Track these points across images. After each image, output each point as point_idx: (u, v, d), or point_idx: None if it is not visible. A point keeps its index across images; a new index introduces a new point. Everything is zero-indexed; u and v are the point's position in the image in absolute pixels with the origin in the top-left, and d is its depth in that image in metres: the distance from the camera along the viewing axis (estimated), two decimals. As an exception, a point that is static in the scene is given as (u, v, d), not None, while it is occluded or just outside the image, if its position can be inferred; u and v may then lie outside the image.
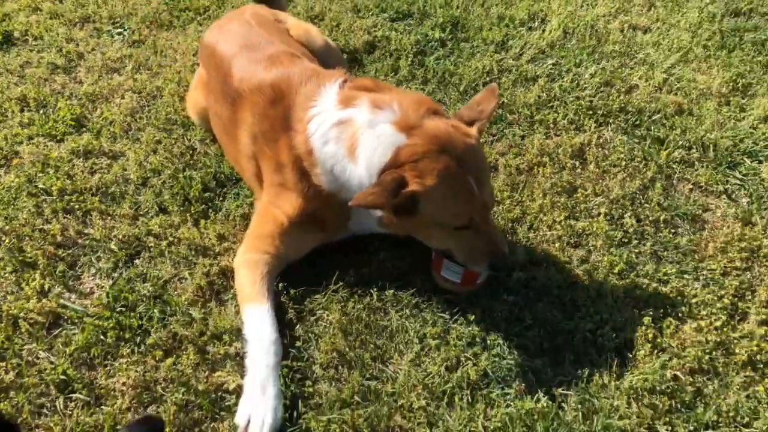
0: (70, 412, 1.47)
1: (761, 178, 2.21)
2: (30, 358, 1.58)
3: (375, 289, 1.75)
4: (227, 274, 1.79)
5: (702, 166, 2.25)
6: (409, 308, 1.72)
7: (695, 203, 2.11)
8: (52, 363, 1.56)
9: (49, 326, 1.65)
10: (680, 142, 2.33)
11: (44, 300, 1.69)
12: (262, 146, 1.79)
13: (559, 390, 1.54)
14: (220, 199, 2.06)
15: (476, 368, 1.57)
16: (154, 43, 2.76)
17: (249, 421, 1.44)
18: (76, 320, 1.66)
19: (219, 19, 2.26)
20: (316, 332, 1.66)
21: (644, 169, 2.22)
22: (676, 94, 2.58)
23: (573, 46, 2.85)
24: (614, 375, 1.57)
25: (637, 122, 2.42)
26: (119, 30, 2.86)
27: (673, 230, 2.01)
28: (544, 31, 2.94)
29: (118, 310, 1.68)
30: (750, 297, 1.80)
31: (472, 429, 1.44)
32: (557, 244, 1.93)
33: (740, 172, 2.24)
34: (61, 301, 1.70)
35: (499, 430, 1.44)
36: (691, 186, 2.19)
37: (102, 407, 1.48)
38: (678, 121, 2.43)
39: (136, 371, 1.54)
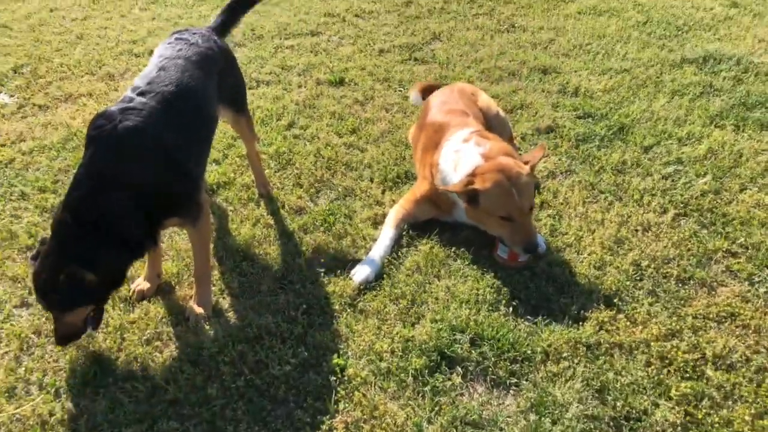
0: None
1: (792, 282, 2.74)
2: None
3: (453, 247, 2.95)
4: (384, 215, 3.18)
5: (744, 259, 2.87)
6: (467, 261, 2.87)
7: (715, 278, 2.78)
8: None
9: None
10: (739, 240, 2.96)
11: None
12: (424, 154, 3.19)
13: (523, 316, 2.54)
14: (402, 184, 3.49)
15: (489, 296, 2.65)
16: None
17: (355, 273, 2.79)
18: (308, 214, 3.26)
19: (440, 89, 3.76)
20: (411, 252, 2.93)
21: (692, 246, 2.94)
22: (769, 212, 3.16)
23: (708, 162, 3.58)
24: (565, 326, 2.49)
25: (714, 222, 3.11)
26: (400, 89, 4.59)
27: (681, 284, 2.74)
28: (692, 147, 3.72)
29: (325, 216, 3.21)
30: (676, 343, 2.44)
31: (471, 318, 2.54)
32: (586, 262, 2.85)
33: (775, 273, 2.79)
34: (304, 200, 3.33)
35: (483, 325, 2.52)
36: (723, 268, 2.84)
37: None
38: (753, 230, 3.03)
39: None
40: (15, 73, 4.98)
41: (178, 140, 2.39)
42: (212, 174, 3.54)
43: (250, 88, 4.47)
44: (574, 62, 4.91)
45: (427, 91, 3.89)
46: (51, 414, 2.20)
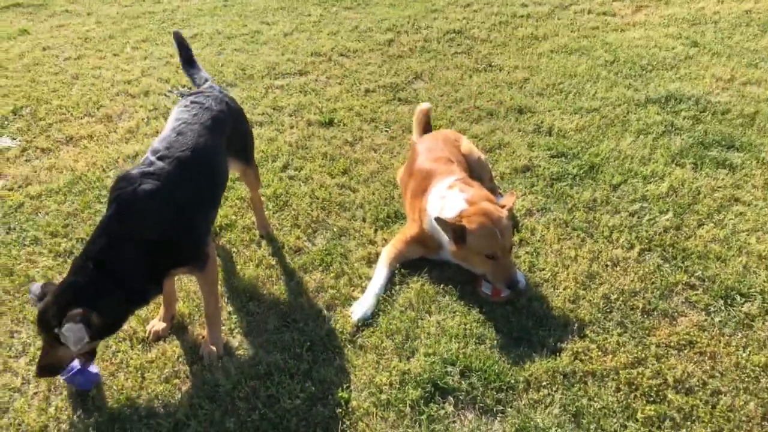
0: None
1: (744, 313, 3.07)
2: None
3: (442, 284, 3.24)
4: (377, 253, 3.46)
5: (701, 291, 3.20)
6: (455, 297, 3.17)
7: (676, 309, 3.10)
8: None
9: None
10: (697, 273, 3.30)
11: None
12: (413, 199, 3.49)
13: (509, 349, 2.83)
14: (392, 223, 3.79)
15: (476, 330, 2.94)
16: (402, 140, 4.73)
17: (354, 310, 3.07)
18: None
19: (425, 135, 4.09)
20: (404, 290, 3.21)
21: (656, 280, 3.27)
22: (723, 246, 3.50)
23: (670, 199, 3.94)
24: (543, 356, 2.79)
25: (675, 256, 3.45)
26: (386, 130, 4.91)
27: (646, 315, 3.06)
28: (655, 185, 4.08)
29: (323, 256, 3.48)
30: (641, 370, 2.77)
31: (461, 351, 2.83)
32: (561, 297, 3.16)
33: (728, 304, 3.12)
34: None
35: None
36: (683, 299, 3.17)
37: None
38: (709, 264, 3.37)
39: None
40: (15, 115, 5.19)
41: (192, 201, 2.66)
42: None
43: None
44: (548, 101, 5.28)
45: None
46: (83, 450, 2.42)
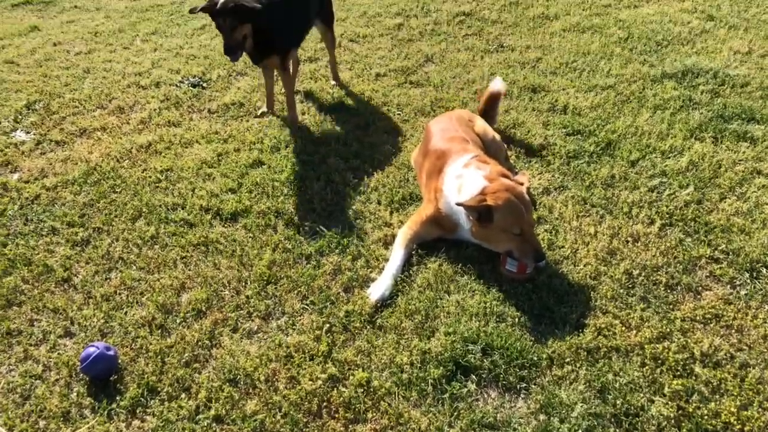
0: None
1: (770, 284, 3.01)
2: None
3: (460, 263, 3.21)
4: (393, 235, 3.43)
5: (726, 264, 3.13)
6: (473, 276, 3.13)
7: (701, 283, 3.04)
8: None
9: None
10: (721, 247, 3.23)
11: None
12: (429, 180, 3.45)
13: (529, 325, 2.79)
14: (408, 205, 3.75)
15: (496, 308, 2.90)
16: (414, 123, 4.68)
17: (371, 291, 3.04)
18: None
19: (439, 116, 4.03)
20: (422, 270, 3.18)
21: (678, 254, 3.21)
22: (747, 219, 3.43)
23: (690, 173, 3.86)
24: (566, 333, 2.75)
25: (698, 230, 3.38)
26: (399, 113, 4.86)
27: (669, 290, 3.00)
28: (674, 160, 4.01)
29: (339, 239, 3.45)
30: (667, 344, 2.71)
31: (481, 329, 2.80)
32: (582, 273, 3.11)
33: (754, 277, 3.06)
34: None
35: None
36: (707, 273, 3.10)
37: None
38: (733, 237, 3.30)
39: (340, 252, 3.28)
40: (28, 109, 5.21)
41: (279, 25, 4.24)
42: (230, 202, 3.77)
43: (256, 116, 4.73)
44: (562, 80, 5.20)
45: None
46: (106, 434, 2.42)
